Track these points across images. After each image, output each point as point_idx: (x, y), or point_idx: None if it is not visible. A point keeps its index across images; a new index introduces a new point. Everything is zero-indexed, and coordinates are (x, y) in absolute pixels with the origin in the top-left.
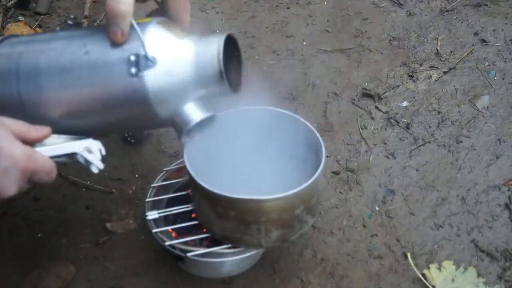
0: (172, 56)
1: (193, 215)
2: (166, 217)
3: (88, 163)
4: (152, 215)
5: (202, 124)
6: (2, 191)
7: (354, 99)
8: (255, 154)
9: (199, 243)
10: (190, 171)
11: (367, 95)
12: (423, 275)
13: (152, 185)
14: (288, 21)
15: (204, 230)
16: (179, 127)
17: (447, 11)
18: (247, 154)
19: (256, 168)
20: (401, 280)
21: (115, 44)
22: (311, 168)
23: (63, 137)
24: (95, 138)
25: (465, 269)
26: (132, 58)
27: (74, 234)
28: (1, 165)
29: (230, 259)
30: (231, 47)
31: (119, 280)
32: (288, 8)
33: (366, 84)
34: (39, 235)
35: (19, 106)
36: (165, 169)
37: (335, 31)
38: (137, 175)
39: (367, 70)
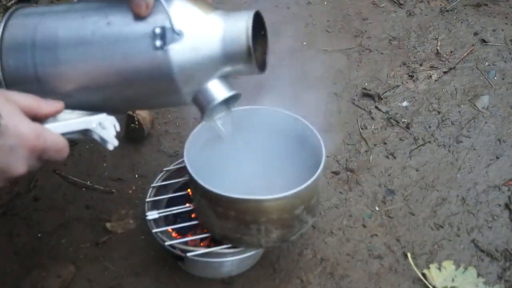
0: (199, 30)
1: (193, 215)
2: (166, 217)
3: (102, 140)
4: (152, 215)
5: (225, 102)
6: (9, 170)
7: (354, 99)
8: (255, 154)
9: (199, 243)
10: (190, 171)
11: (367, 95)
12: (423, 275)
13: (152, 185)
14: (288, 21)
15: (204, 230)
16: (201, 105)
17: (447, 11)
18: (247, 154)
19: (256, 168)
20: (401, 280)
21: (139, 16)
22: (311, 168)
23: (76, 112)
24: (109, 114)
25: (465, 269)
26: (158, 30)
27: (74, 234)
28: (7, 143)
29: (230, 259)
30: (257, 25)
31: (119, 280)
32: (288, 8)
33: (366, 84)
34: (39, 235)
35: (34, 79)
36: (165, 169)
37: (335, 31)
38: (137, 175)
39: (367, 70)
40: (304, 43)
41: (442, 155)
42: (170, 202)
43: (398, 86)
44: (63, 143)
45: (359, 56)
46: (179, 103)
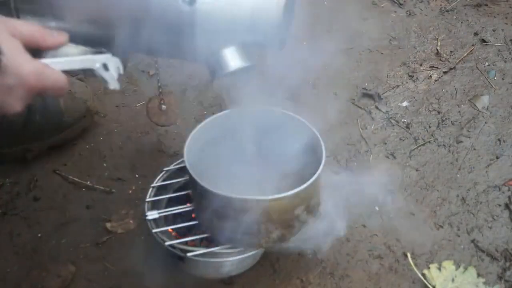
0: None
1: (193, 215)
2: (166, 217)
3: (103, 80)
4: (152, 215)
5: (239, 72)
6: (5, 108)
7: (354, 99)
8: (255, 154)
9: (199, 243)
10: (190, 171)
11: (367, 95)
12: (423, 275)
13: (152, 185)
14: None
15: (204, 230)
16: (213, 68)
17: (447, 11)
18: (247, 154)
19: (256, 168)
20: (401, 280)
21: None
22: (311, 168)
23: (80, 48)
24: (114, 54)
25: (465, 269)
26: None
27: (74, 234)
28: (5, 83)
29: (230, 259)
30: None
31: (119, 280)
32: None
33: (366, 84)
34: (39, 235)
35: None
36: (165, 169)
37: (335, 31)
38: (137, 175)
39: (367, 70)
40: (304, 43)
41: (442, 155)
42: (170, 202)
43: (398, 86)
44: (63, 82)
45: (359, 56)
46: (189, 59)
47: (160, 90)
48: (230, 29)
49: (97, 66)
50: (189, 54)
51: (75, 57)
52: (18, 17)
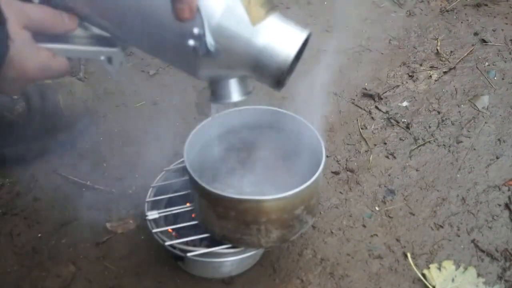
0: (238, 42)
1: (193, 215)
2: (166, 217)
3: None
4: (152, 215)
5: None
6: (5, 93)
7: (354, 99)
8: (255, 153)
9: (199, 243)
10: (190, 171)
11: (367, 95)
12: (423, 275)
13: (152, 185)
14: None
15: (204, 230)
16: (213, 91)
17: (447, 11)
18: (246, 153)
19: (256, 168)
20: (401, 280)
21: (179, 20)
22: (311, 168)
23: (88, 32)
24: (122, 47)
25: (465, 269)
26: (196, 31)
27: (74, 234)
28: (8, 75)
29: (230, 259)
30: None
31: (119, 280)
32: (288, 8)
33: (366, 84)
34: (39, 235)
35: None
36: (165, 169)
37: (335, 31)
38: (137, 175)
39: (367, 70)
40: None
41: (442, 155)
42: (170, 202)
43: (398, 86)
44: (66, 69)
45: (359, 56)
46: (193, 76)
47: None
48: (233, 68)
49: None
50: (191, 73)
51: (82, 47)
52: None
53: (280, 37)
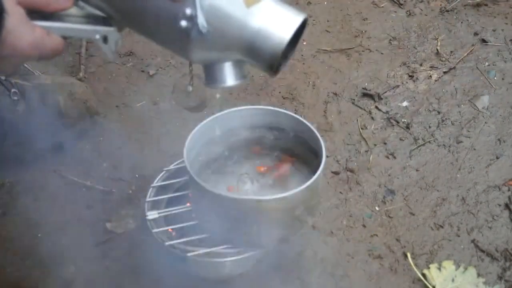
0: (231, 22)
1: (193, 215)
2: (166, 217)
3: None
4: (152, 215)
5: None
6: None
7: (354, 99)
8: (254, 153)
9: (199, 243)
10: (190, 171)
11: (367, 95)
12: (423, 275)
13: (152, 185)
14: None
15: (204, 230)
16: (207, 75)
17: (447, 11)
18: (246, 153)
19: (256, 168)
20: (401, 280)
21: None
22: (311, 168)
23: (83, 12)
24: (118, 28)
25: (465, 269)
26: (188, 12)
27: (74, 234)
28: (1, 54)
29: (230, 259)
30: (297, 31)
31: (119, 280)
32: None
33: (366, 84)
34: (39, 235)
35: None
36: (165, 169)
37: (335, 31)
38: (137, 175)
39: (367, 70)
40: (304, 43)
41: (442, 155)
42: (170, 202)
43: (398, 86)
44: (61, 47)
45: (359, 56)
46: (187, 59)
47: (190, 68)
48: (226, 51)
49: (97, 37)
50: (185, 56)
51: (77, 26)
52: None
53: (275, 20)
